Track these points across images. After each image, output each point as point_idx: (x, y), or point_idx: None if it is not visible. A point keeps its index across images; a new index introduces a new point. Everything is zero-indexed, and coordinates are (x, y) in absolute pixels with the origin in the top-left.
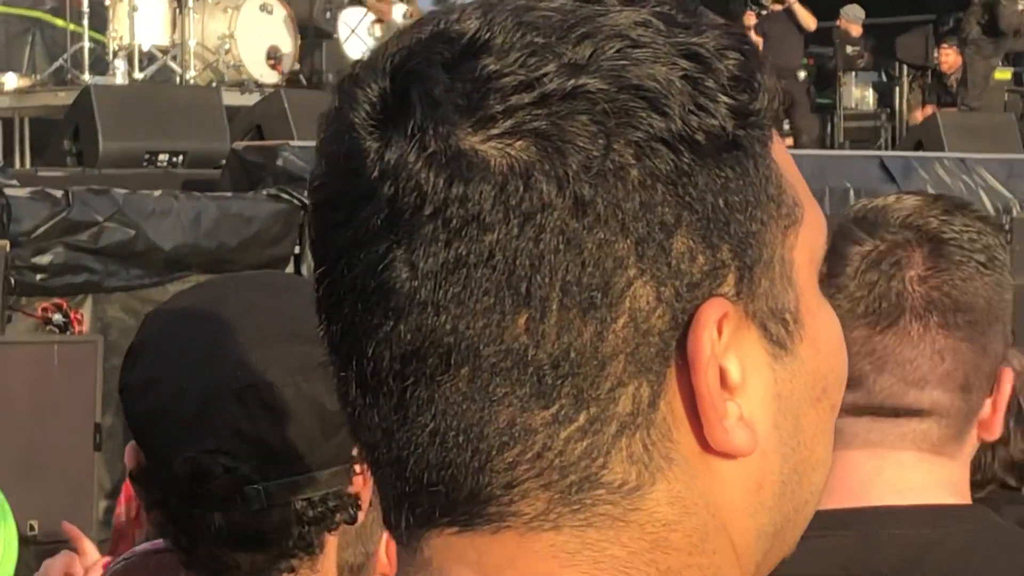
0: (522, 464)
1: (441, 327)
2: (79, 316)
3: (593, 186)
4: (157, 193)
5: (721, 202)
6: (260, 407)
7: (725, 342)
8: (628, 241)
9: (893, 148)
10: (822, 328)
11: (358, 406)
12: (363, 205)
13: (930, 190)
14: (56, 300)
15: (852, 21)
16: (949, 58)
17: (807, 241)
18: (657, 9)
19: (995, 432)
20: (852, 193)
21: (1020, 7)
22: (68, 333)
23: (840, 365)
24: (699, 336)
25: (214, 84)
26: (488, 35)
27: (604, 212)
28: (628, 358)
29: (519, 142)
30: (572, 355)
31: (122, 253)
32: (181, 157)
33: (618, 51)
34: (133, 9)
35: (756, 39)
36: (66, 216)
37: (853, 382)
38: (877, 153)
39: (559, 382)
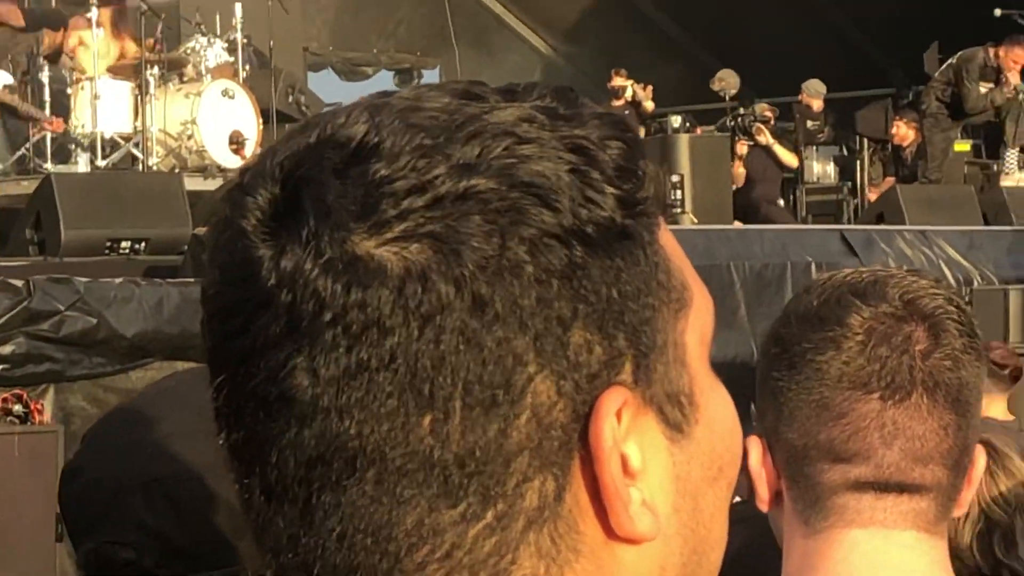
0: (431, 564)
1: (345, 432)
2: (39, 407)
3: (490, 285)
4: (119, 280)
5: (615, 292)
6: (165, 502)
7: (625, 429)
8: (527, 338)
9: (855, 221)
10: (716, 409)
11: (262, 512)
12: (261, 313)
13: (891, 263)
14: (16, 391)
15: (813, 96)
16: (900, 131)
17: (697, 323)
18: (539, 103)
19: (965, 507)
20: (813, 267)
21: (983, 90)
22: (28, 423)
23: (735, 444)
24: (600, 427)
25: (177, 170)
26: (377, 139)
27: (502, 310)
28: (532, 453)
29: (415, 245)
30: (477, 453)
31: (84, 341)
32: (143, 244)
33: (506, 149)
34: (95, 97)
35: (739, 171)
36: (27, 306)
37: (860, 456)
38: (838, 227)
39: (465, 481)
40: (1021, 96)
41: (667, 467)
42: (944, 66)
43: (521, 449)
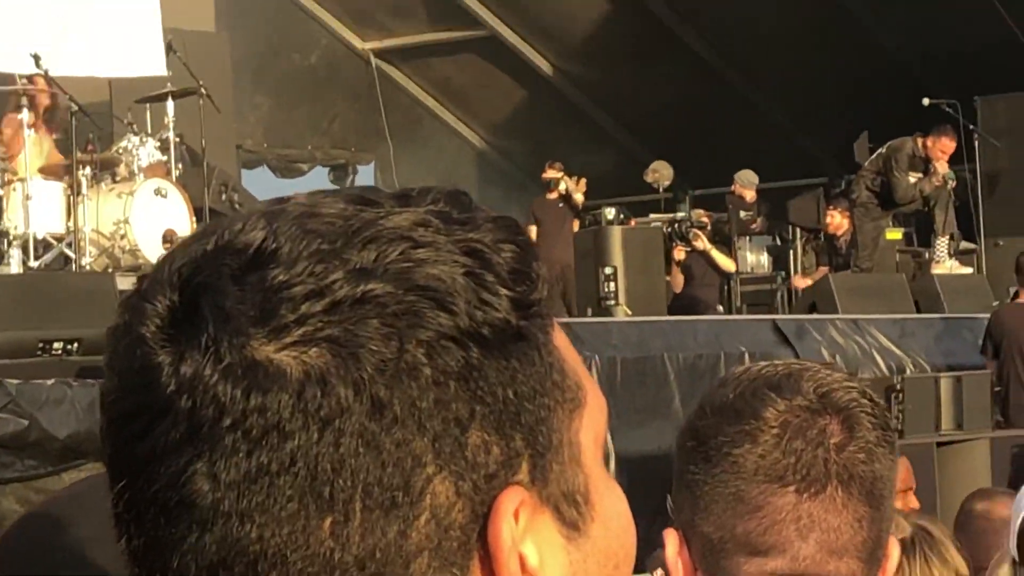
0: None
1: (247, 536)
2: None
3: (389, 387)
4: (51, 382)
5: (511, 393)
6: None
7: (522, 528)
8: (425, 439)
9: (789, 311)
10: (610, 507)
11: None
12: (161, 419)
13: (824, 352)
14: None
15: (746, 186)
16: (835, 220)
17: (591, 423)
18: (434, 208)
19: None
20: (747, 357)
21: (912, 180)
22: None
23: (630, 542)
24: (498, 527)
25: (110, 269)
26: (274, 245)
27: (401, 412)
28: (432, 554)
29: (313, 349)
30: (377, 555)
31: (16, 444)
32: (76, 344)
33: (402, 253)
34: (27, 198)
35: (679, 276)
36: None
37: (776, 549)
38: (770, 317)
39: None
40: (949, 185)
41: (564, 565)
42: (874, 156)
43: (421, 550)
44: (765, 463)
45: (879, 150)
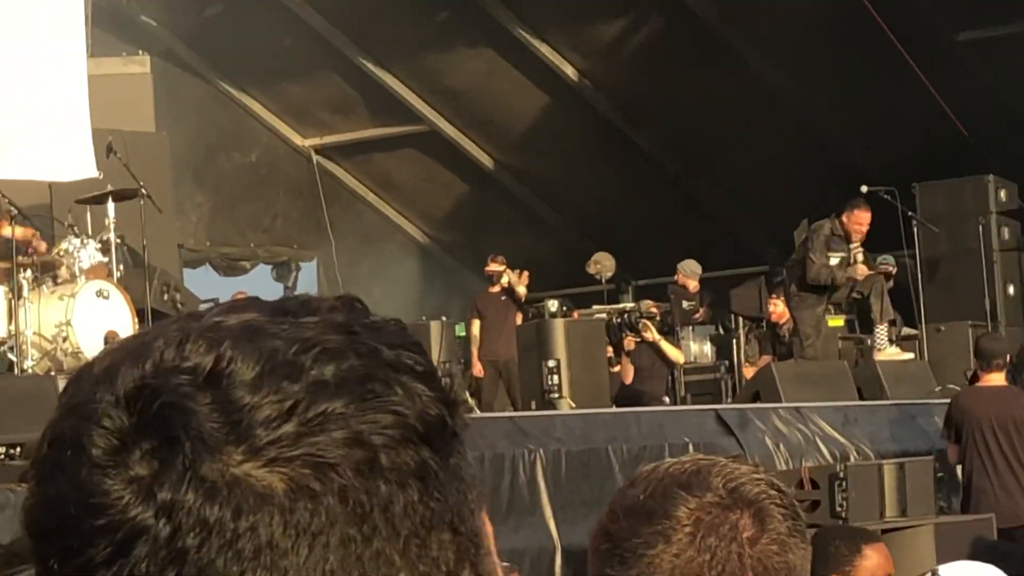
0: None
1: None
2: None
3: (368, 493)
4: None
5: (456, 490)
6: None
7: None
8: (399, 543)
9: (733, 400)
10: None
11: None
12: (130, 545)
13: (768, 441)
14: None
15: (689, 276)
16: (777, 308)
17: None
18: (337, 318)
19: None
20: (691, 447)
21: (834, 261)
22: None
23: None
24: None
25: (52, 372)
26: (229, 367)
27: (378, 518)
28: None
29: (292, 465)
30: None
31: None
32: (18, 449)
33: (350, 367)
34: None
35: (628, 367)
36: None
37: None
38: (713, 407)
39: None
40: (889, 269)
41: None
42: (799, 243)
43: None
44: (680, 562)
45: (804, 235)
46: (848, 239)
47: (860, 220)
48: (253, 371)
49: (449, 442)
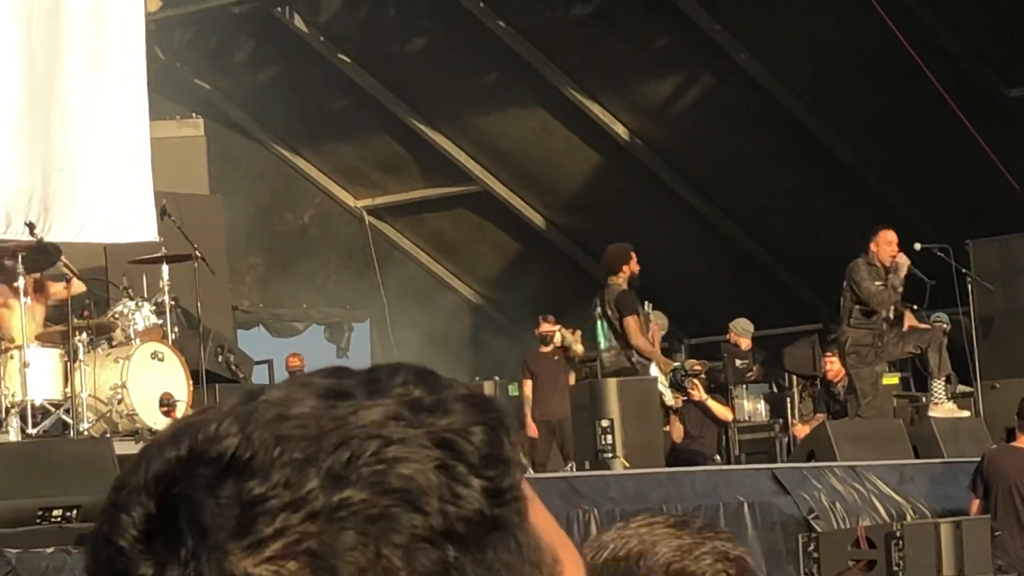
0: None
1: None
2: None
3: None
4: (50, 550)
5: None
6: None
7: None
8: None
9: (787, 459)
10: None
11: None
12: None
13: (824, 499)
14: None
15: (741, 335)
16: (834, 366)
17: None
18: (403, 395)
19: None
20: (746, 507)
21: (881, 285)
22: None
23: None
24: None
25: (108, 434)
26: (248, 453)
27: None
28: None
29: (291, 563)
30: None
31: None
32: (75, 511)
33: (374, 454)
34: (25, 365)
35: (677, 426)
36: None
37: None
38: (769, 466)
39: None
40: (944, 326)
41: None
42: (842, 297)
43: None
44: None
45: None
46: (885, 267)
47: (888, 239)
48: (269, 460)
49: (485, 536)
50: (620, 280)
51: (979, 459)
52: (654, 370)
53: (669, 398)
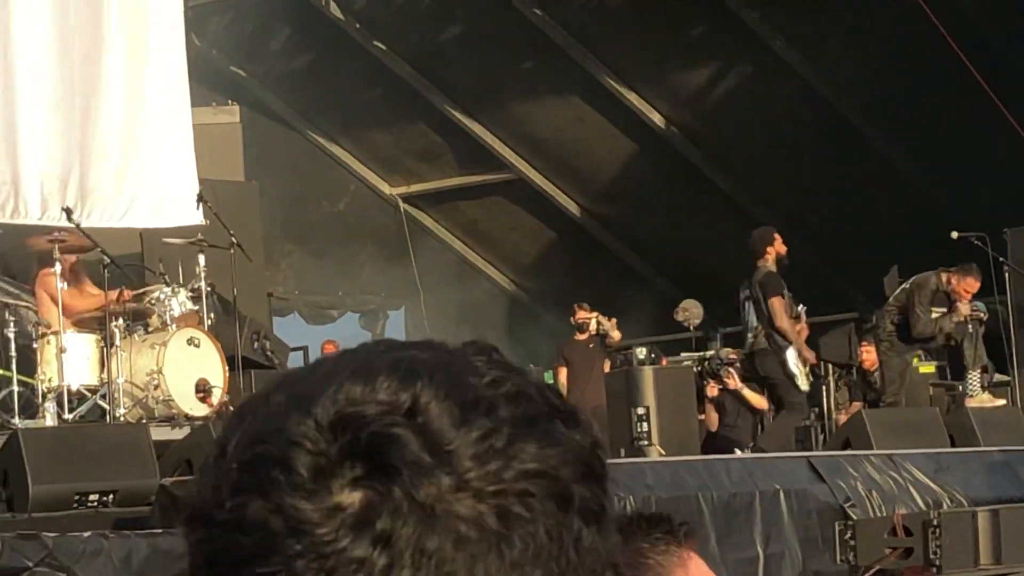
0: None
1: None
2: None
3: (566, 528)
4: (87, 534)
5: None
6: None
7: None
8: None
9: (823, 447)
10: None
11: None
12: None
13: (860, 488)
14: None
15: None
16: (871, 355)
17: None
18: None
19: None
20: (782, 494)
21: (935, 315)
22: None
23: None
24: None
25: (144, 420)
26: (427, 402)
27: (572, 555)
28: None
29: (497, 499)
30: None
31: None
32: (111, 496)
33: (556, 430)
34: (61, 351)
35: (713, 414)
36: None
37: None
38: (804, 454)
39: None
40: (979, 316)
41: None
42: (899, 290)
43: None
44: None
45: (904, 284)
46: (949, 301)
47: (970, 287)
48: (452, 407)
49: (606, 482)
50: (768, 261)
51: (1022, 450)
52: (791, 355)
53: (803, 383)
